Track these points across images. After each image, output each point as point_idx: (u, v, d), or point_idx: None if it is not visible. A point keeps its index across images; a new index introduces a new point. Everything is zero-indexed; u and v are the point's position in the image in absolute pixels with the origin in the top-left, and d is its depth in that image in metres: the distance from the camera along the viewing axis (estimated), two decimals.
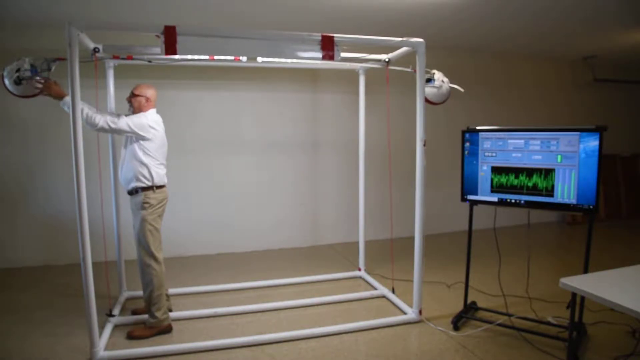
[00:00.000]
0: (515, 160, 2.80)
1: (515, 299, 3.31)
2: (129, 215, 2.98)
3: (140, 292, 3.43)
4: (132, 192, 2.82)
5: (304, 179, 5.09)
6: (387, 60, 3.34)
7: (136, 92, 2.87)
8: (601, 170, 2.49)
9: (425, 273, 3.35)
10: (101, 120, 2.65)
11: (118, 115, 2.79)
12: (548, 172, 2.68)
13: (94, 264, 2.49)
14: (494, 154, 2.89)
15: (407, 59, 3.19)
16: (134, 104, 2.88)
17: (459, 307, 3.15)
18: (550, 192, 2.68)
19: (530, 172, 2.75)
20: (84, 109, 2.57)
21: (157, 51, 2.88)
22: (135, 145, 2.80)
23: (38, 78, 2.63)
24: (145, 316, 2.97)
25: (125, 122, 2.75)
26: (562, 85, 6.27)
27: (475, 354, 2.61)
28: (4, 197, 4.22)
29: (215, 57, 3.04)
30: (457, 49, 5.36)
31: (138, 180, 2.79)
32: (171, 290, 3.55)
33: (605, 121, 3.15)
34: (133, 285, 3.55)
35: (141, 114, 2.85)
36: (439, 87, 3.37)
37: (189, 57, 3.00)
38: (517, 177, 2.80)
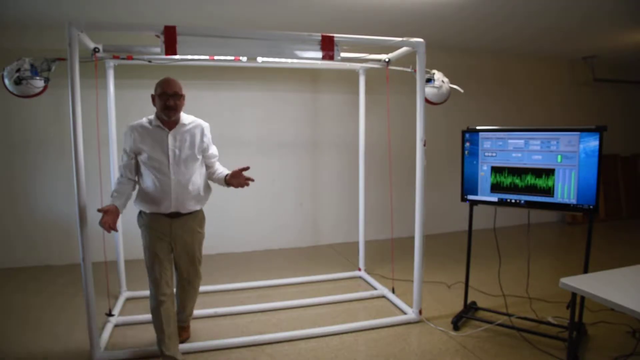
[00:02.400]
0: (515, 160, 2.80)
1: (515, 299, 3.31)
2: (128, 215, 2.97)
3: (142, 292, 3.46)
4: (194, 210, 2.52)
5: (304, 179, 5.09)
6: (387, 60, 3.34)
7: (181, 92, 2.40)
8: (601, 170, 2.49)
9: (425, 273, 3.35)
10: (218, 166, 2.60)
11: (209, 153, 2.54)
12: (548, 172, 2.68)
13: (94, 264, 2.49)
14: (494, 154, 2.89)
15: (407, 59, 3.19)
16: (178, 108, 2.38)
17: (459, 307, 3.15)
18: (550, 192, 2.68)
19: (530, 172, 2.75)
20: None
21: (157, 51, 2.87)
22: (201, 159, 2.52)
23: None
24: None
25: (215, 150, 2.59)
26: (562, 85, 6.27)
27: (475, 354, 2.61)
28: (4, 197, 4.22)
29: (215, 57, 3.04)
30: (457, 49, 5.36)
31: (205, 198, 2.59)
32: None
33: (605, 121, 3.15)
34: (133, 285, 3.55)
35: (204, 126, 2.52)
36: (439, 87, 3.37)
37: (189, 57, 3.00)
38: (517, 177, 2.80)
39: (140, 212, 2.52)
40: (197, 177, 2.47)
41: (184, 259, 2.54)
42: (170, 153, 2.37)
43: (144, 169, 2.40)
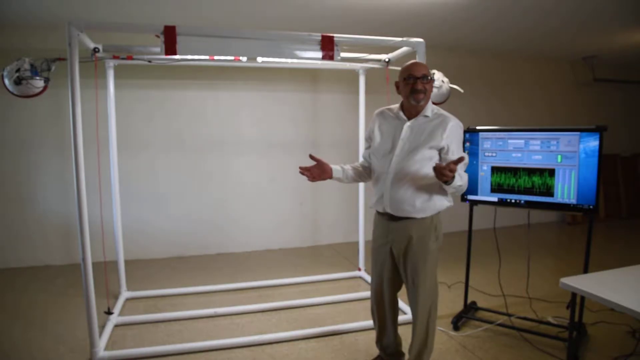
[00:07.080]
0: (516, 160, 2.80)
1: (515, 299, 3.31)
2: (128, 214, 2.97)
3: (142, 292, 3.46)
4: (413, 216, 2.11)
5: (304, 178, 5.05)
6: (387, 60, 3.34)
7: (430, 75, 2.09)
8: (601, 170, 2.50)
9: None
10: (464, 178, 2.04)
11: (447, 155, 2.03)
12: (548, 172, 2.68)
13: (94, 264, 2.49)
14: (494, 154, 2.89)
15: (408, 59, 3.17)
16: (428, 92, 2.08)
17: (459, 307, 3.15)
18: (550, 192, 2.68)
19: (530, 172, 2.75)
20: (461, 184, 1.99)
21: (157, 51, 2.87)
22: (435, 159, 2.08)
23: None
24: (142, 316, 2.96)
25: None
26: (562, 85, 6.27)
27: (475, 354, 2.61)
28: (3, 197, 4.22)
29: (215, 57, 3.03)
30: (457, 49, 5.36)
31: (433, 202, 2.11)
32: (171, 290, 3.57)
33: (605, 121, 3.15)
34: (133, 285, 3.55)
35: (450, 123, 2.06)
36: (439, 87, 3.36)
37: (189, 57, 2.99)
38: (517, 177, 2.80)
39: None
40: (421, 177, 2.04)
41: (402, 274, 2.20)
42: (400, 143, 2.09)
43: (372, 159, 2.25)
